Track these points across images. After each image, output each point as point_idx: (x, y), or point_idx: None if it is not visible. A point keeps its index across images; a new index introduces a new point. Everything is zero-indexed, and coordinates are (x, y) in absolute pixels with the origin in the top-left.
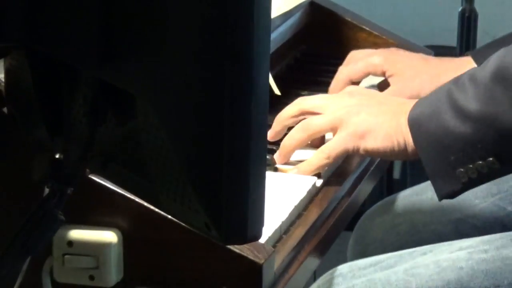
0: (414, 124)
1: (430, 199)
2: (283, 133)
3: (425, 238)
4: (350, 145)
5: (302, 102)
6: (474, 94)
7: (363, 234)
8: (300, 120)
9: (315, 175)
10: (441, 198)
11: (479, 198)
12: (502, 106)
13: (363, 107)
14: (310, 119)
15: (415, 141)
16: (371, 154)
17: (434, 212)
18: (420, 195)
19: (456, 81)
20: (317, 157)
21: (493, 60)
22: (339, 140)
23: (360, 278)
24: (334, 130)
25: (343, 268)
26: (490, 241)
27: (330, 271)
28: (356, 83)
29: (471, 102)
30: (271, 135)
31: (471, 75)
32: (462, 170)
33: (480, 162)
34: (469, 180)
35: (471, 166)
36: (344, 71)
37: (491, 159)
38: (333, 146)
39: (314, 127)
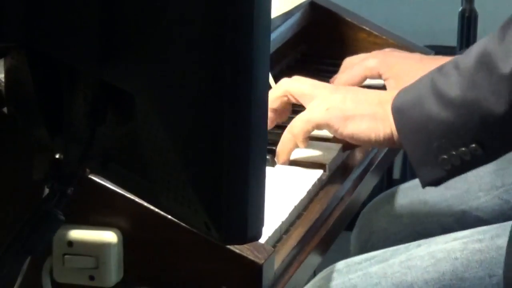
0: (397, 112)
1: (434, 191)
2: (273, 118)
3: (428, 229)
4: (334, 122)
5: (289, 86)
6: (457, 81)
7: (366, 224)
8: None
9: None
10: (424, 185)
11: (483, 190)
12: (484, 91)
13: (348, 96)
14: (296, 122)
15: (398, 129)
16: (355, 139)
17: (438, 203)
18: None
19: (440, 69)
20: (301, 124)
21: (476, 47)
22: (326, 114)
23: (356, 273)
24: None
25: (339, 265)
26: (484, 231)
27: (326, 269)
28: None
29: (454, 88)
30: None
31: (454, 63)
32: (445, 157)
33: (463, 149)
34: (452, 167)
35: (454, 153)
36: (342, 78)
37: (473, 145)
38: (319, 115)
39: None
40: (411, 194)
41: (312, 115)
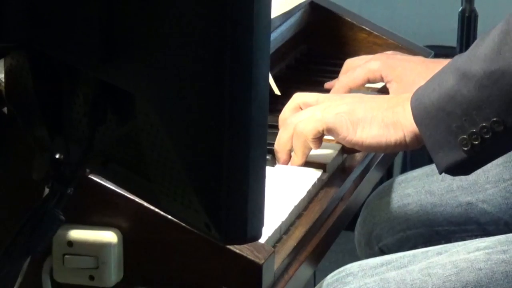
0: (416, 101)
1: (440, 181)
2: (290, 157)
3: (432, 219)
4: (343, 129)
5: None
6: (479, 55)
7: (371, 213)
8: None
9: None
10: (441, 170)
11: (490, 182)
12: (508, 59)
13: (356, 103)
14: (306, 122)
15: (415, 117)
16: (365, 146)
17: (444, 194)
18: (431, 176)
19: (460, 54)
20: (312, 123)
21: (502, 21)
22: (336, 118)
23: (372, 277)
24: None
25: (352, 267)
26: (508, 241)
27: (338, 270)
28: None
29: (475, 63)
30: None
31: (474, 45)
32: (464, 137)
33: (484, 124)
34: (472, 147)
35: (474, 130)
36: (343, 80)
37: (495, 119)
38: (330, 117)
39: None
40: (415, 184)
41: (323, 115)
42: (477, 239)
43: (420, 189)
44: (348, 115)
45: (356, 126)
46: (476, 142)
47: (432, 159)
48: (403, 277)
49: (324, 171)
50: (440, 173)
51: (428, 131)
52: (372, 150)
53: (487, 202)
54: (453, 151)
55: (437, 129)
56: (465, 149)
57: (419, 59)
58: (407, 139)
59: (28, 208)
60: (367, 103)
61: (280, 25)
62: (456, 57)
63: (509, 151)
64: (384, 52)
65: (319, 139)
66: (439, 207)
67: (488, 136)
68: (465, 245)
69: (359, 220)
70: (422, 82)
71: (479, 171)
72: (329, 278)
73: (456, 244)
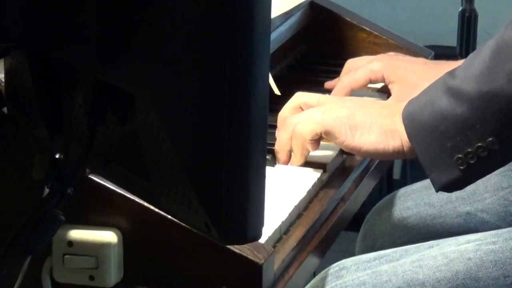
0: (408, 116)
1: (439, 193)
2: (290, 157)
3: (433, 231)
4: (341, 133)
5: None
6: (471, 75)
7: (371, 228)
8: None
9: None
10: (438, 189)
11: (489, 192)
12: (501, 81)
13: (356, 108)
14: (305, 123)
15: (409, 134)
16: (362, 152)
17: (443, 205)
18: (429, 189)
19: (451, 72)
20: (311, 125)
21: (490, 42)
22: (335, 121)
23: (365, 271)
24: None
25: (346, 262)
26: (498, 234)
27: (332, 265)
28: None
29: (468, 83)
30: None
31: (465, 63)
32: (460, 156)
33: (480, 144)
34: (468, 166)
35: (469, 150)
36: (345, 80)
37: (491, 139)
38: (328, 120)
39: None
40: (415, 197)
41: (322, 118)
42: (468, 234)
43: (419, 201)
44: (347, 119)
45: (355, 131)
46: (472, 161)
47: (428, 177)
48: (395, 270)
49: (324, 171)
50: (437, 191)
51: (422, 148)
52: (370, 156)
53: (486, 211)
54: (449, 170)
55: (431, 146)
56: (461, 167)
57: (421, 60)
58: (405, 148)
59: (28, 208)
60: (367, 109)
61: (280, 25)
62: (446, 74)
63: (506, 164)
64: (386, 53)
65: (317, 141)
66: (438, 218)
67: (484, 154)
68: (456, 239)
69: (359, 236)
70: (424, 84)
71: (478, 181)
72: (323, 273)
73: (447, 239)
